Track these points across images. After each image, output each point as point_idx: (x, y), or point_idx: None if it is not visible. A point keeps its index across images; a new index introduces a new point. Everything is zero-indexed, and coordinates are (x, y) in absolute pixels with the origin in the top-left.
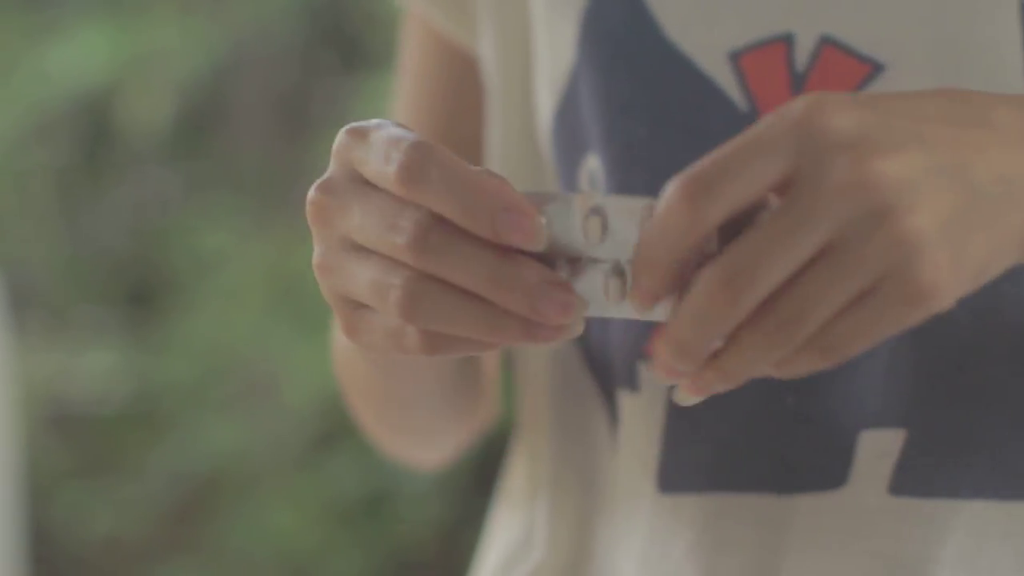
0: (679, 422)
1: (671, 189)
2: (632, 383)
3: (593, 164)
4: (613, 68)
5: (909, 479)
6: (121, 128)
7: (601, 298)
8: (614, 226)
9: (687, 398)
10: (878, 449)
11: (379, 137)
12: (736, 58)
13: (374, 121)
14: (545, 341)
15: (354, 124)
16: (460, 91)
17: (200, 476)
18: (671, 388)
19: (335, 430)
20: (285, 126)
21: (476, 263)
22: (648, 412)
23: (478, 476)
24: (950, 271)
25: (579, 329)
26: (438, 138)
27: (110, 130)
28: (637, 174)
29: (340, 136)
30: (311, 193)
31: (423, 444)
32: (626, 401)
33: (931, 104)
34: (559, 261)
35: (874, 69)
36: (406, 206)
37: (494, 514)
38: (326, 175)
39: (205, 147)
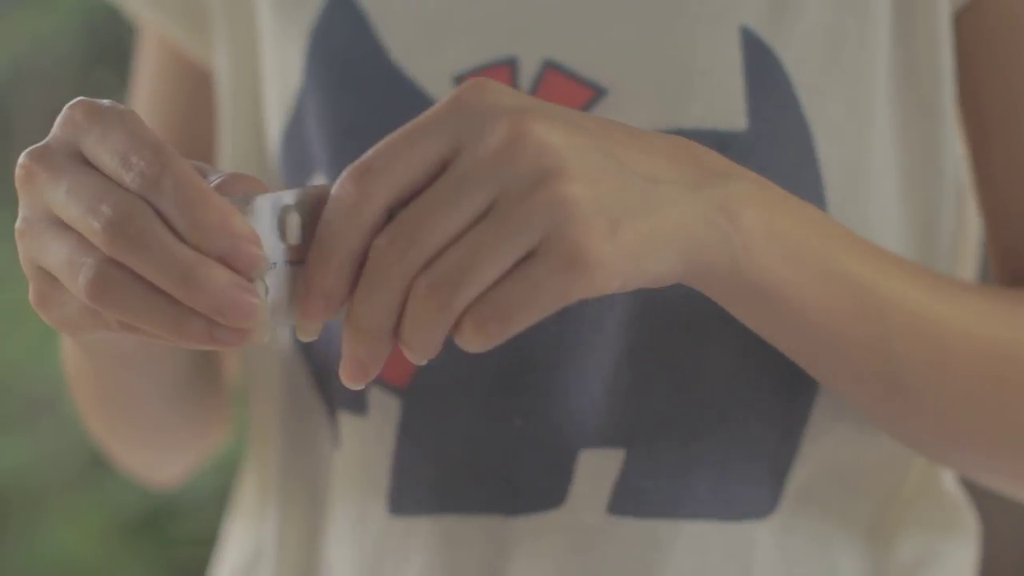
0: (409, 445)
1: (341, 176)
2: (360, 407)
3: (319, 183)
4: (340, 90)
5: (628, 499)
6: None
7: (293, 299)
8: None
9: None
10: (597, 468)
11: (116, 131)
12: (461, 82)
13: (106, 103)
14: (227, 345)
15: (86, 101)
16: (194, 103)
17: None
18: (405, 410)
19: None
20: None
21: (169, 260)
22: (378, 435)
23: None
24: (607, 241)
25: (265, 336)
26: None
27: None
28: None
29: (69, 111)
30: (23, 157)
31: (153, 455)
32: (349, 423)
33: (585, 113)
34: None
35: (596, 93)
36: (112, 190)
37: (227, 529)
38: (44, 142)
39: None
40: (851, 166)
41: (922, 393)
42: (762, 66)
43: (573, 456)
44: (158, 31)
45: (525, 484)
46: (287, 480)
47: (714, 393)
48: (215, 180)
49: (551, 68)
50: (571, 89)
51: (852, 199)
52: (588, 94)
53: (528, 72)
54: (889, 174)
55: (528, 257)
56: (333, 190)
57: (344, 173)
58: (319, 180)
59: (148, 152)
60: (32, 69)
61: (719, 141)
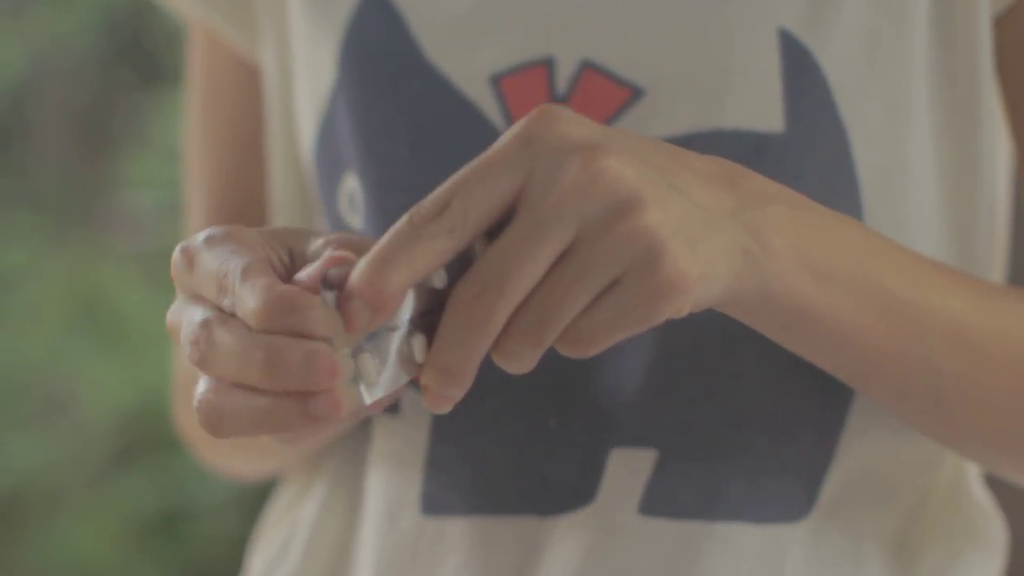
0: (443, 445)
1: (409, 213)
2: (392, 406)
3: (351, 184)
4: (374, 89)
5: (660, 499)
6: None
7: (400, 364)
8: None
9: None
10: (628, 468)
11: (205, 257)
12: (497, 81)
13: (212, 234)
14: (323, 418)
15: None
16: (247, 101)
17: None
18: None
19: (132, 446)
20: (84, 142)
21: (244, 355)
22: (411, 435)
23: (274, 492)
24: (689, 264)
25: (352, 404)
26: (228, 150)
27: None
28: (398, 196)
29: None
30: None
31: (268, 460)
32: (382, 422)
33: (636, 136)
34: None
35: (634, 93)
36: (194, 308)
37: (260, 526)
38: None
39: (3, 163)
40: (888, 169)
41: (965, 403)
42: (800, 68)
43: (605, 455)
44: (207, 29)
45: (559, 483)
46: (336, 474)
47: (747, 396)
48: (315, 265)
49: (589, 68)
50: (609, 89)
51: (888, 202)
52: (626, 94)
53: (565, 72)
54: (927, 177)
55: (613, 285)
56: (402, 226)
57: (413, 210)
58: (350, 179)
59: (225, 266)
60: (51, 67)
61: (756, 143)
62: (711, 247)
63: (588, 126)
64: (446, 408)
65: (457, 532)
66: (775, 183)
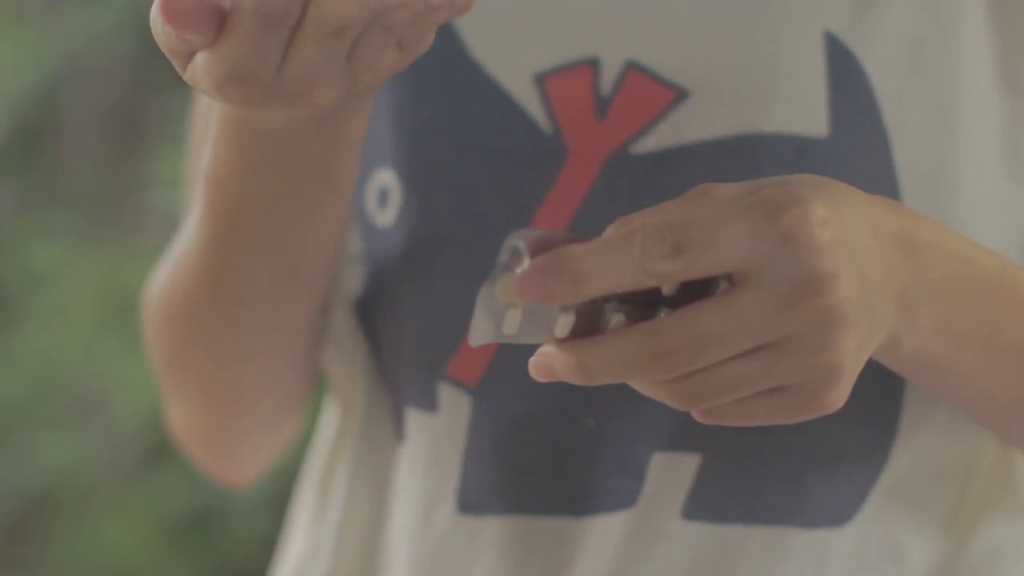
0: (480, 444)
1: (620, 227)
2: (429, 404)
3: (384, 179)
4: (417, 87)
5: (702, 504)
6: None
7: (536, 327)
8: None
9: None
10: (671, 472)
11: None
12: (541, 80)
13: None
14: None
15: None
16: None
17: (31, 493)
18: (476, 409)
19: (164, 445)
20: (117, 140)
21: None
22: (448, 433)
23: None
24: (846, 394)
25: (478, 343)
26: None
27: None
28: (442, 193)
29: None
30: None
31: (240, 421)
32: (417, 420)
33: (859, 228)
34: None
35: (678, 95)
36: None
37: (286, 531)
38: None
39: (36, 162)
40: (930, 174)
41: None
42: (845, 71)
43: (646, 459)
44: None
45: (596, 485)
46: (354, 477)
47: None
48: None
49: (633, 68)
50: (653, 90)
51: (931, 208)
52: (670, 96)
53: (610, 72)
54: (989, 183)
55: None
56: (621, 234)
57: (649, 235)
58: (383, 174)
59: None
60: (84, 67)
61: (800, 146)
62: (868, 354)
63: (838, 247)
64: (544, 378)
65: (492, 531)
66: (938, 230)
